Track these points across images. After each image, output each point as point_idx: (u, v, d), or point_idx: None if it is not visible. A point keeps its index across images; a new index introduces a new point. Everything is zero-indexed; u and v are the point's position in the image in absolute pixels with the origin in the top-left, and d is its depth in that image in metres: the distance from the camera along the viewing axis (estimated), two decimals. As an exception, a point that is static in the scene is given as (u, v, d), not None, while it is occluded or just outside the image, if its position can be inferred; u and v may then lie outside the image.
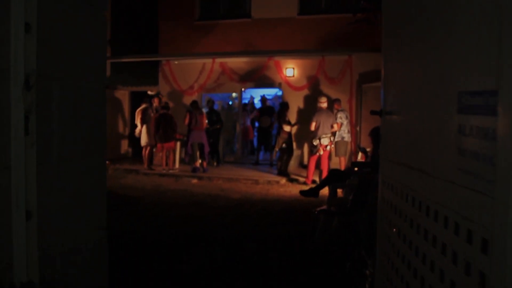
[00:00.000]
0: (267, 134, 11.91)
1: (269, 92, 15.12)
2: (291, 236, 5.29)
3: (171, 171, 10.57)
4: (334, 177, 6.07)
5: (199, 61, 12.85)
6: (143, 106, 11.16)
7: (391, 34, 2.42)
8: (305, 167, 11.83)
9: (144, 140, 10.94)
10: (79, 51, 1.70)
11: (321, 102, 9.46)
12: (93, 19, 1.79)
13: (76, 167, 1.70)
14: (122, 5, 16.19)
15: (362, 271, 3.66)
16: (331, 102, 10.35)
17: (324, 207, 4.47)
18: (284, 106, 10.52)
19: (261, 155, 12.38)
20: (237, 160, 12.95)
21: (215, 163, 11.75)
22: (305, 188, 8.89)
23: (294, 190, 8.79)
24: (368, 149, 9.48)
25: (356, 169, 7.02)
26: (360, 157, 10.26)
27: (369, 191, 4.40)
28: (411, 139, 1.89)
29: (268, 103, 12.55)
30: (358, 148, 7.02)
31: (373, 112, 2.83)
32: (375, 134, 5.85)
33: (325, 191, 6.51)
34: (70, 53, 1.63)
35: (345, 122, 10.05)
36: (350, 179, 5.57)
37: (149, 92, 11.64)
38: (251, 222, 6.00)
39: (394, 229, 2.08)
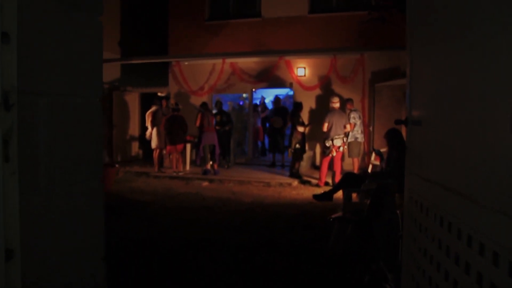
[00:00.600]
0: (279, 135, 11.70)
1: (281, 92, 14.95)
2: (304, 243, 5.10)
3: (181, 174, 10.43)
4: (348, 181, 5.86)
5: (209, 62, 12.70)
6: (154, 108, 11.02)
7: (419, 31, 2.16)
8: (317, 168, 11.62)
9: (154, 143, 10.82)
10: (70, 62, 1.52)
11: (333, 102, 9.23)
12: (86, 26, 1.60)
13: (68, 195, 1.52)
14: (132, 5, 16.12)
15: (382, 285, 3.45)
16: (344, 102, 10.12)
17: (340, 214, 4.27)
18: (298, 106, 10.29)
19: (272, 156, 12.18)
20: (248, 161, 12.78)
21: (226, 166, 11.60)
22: (318, 191, 8.70)
23: (306, 192, 8.58)
24: (383, 150, 9.27)
25: (369, 171, 6.82)
26: (373, 158, 10.03)
27: (386, 198, 4.19)
28: (448, 156, 1.63)
29: (281, 103, 12.31)
30: (373, 150, 6.79)
31: (398, 122, 2.62)
32: (391, 136, 5.64)
33: (339, 194, 6.32)
34: (59, 65, 1.45)
35: (358, 122, 9.82)
36: (365, 183, 5.36)
37: (159, 94, 11.50)
38: (263, 227, 5.81)
39: (425, 252, 1.87)
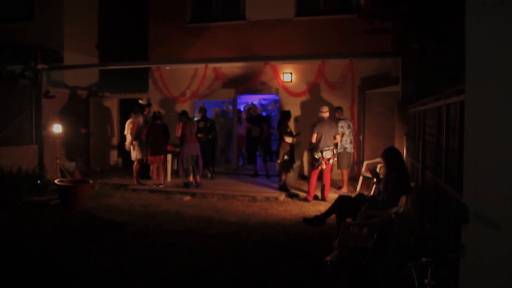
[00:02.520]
0: (257, 144, 11.20)
1: (265, 98, 14.46)
2: (296, 279, 4.57)
3: (161, 186, 9.83)
4: (342, 205, 5.39)
5: (191, 66, 12.11)
6: (139, 118, 10.27)
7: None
8: (305, 178, 11.14)
9: (135, 154, 10.17)
10: None
11: (322, 112, 8.73)
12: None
13: None
14: (111, 6, 15.47)
15: None
16: (333, 111, 9.66)
17: (336, 253, 3.76)
18: (286, 115, 9.76)
19: (254, 166, 11.69)
20: (232, 171, 12.23)
21: (209, 175, 11.04)
22: (307, 206, 8.20)
23: (295, 209, 8.08)
24: (379, 167, 8.81)
25: (367, 193, 6.35)
26: (364, 169, 9.57)
27: (390, 235, 3.69)
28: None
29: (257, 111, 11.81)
30: (370, 171, 6.30)
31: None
32: (389, 156, 5.16)
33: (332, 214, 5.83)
34: None
35: (347, 131, 9.37)
36: (363, 211, 4.87)
37: (140, 101, 10.84)
38: (249, 257, 5.27)
39: None
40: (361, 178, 9.54)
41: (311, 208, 8.17)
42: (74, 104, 12.19)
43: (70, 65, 13.11)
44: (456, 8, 5.37)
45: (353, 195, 8.83)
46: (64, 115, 11.63)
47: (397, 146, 8.62)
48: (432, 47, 6.59)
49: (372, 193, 6.88)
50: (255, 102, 12.72)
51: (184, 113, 10.03)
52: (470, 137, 2.33)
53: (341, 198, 5.52)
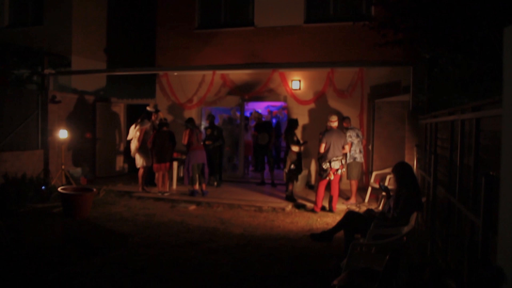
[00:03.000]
0: (265, 152, 11.05)
1: (274, 105, 14.33)
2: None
3: (166, 194, 9.70)
4: (351, 222, 5.20)
5: (198, 73, 11.99)
6: (146, 125, 10.16)
7: None
8: (312, 188, 10.97)
9: (141, 161, 10.05)
10: None
11: (331, 121, 8.55)
12: None
13: None
14: (120, 11, 15.43)
15: None
16: (340, 121, 9.49)
17: (344, 275, 3.57)
18: (293, 123, 9.59)
19: (261, 174, 11.53)
20: (239, 178, 12.08)
21: (215, 183, 10.90)
22: (314, 218, 8.00)
23: (302, 220, 7.90)
24: (388, 178, 8.61)
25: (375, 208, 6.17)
26: (373, 180, 9.37)
27: (402, 260, 3.51)
28: None
29: (263, 118, 11.64)
30: (380, 185, 6.10)
31: None
32: (400, 172, 4.96)
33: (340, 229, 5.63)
34: None
35: (355, 141, 9.17)
36: (372, 229, 4.69)
37: (148, 108, 10.73)
38: (254, 275, 5.10)
39: None
40: (369, 189, 9.34)
41: (318, 220, 7.98)
42: (80, 109, 12.12)
43: (77, 70, 13.07)
44: (474, 21, 5.19)
45: (361, 207, 8.67)
46: (70, 120, 11.57)
47: (407, 157, 8.43)
48: (446, 57, 6.40)
49: (380, 207, 6.69)
50: (259, 111, 12.54)
51: (190, 120, 9.90)
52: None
53: (349, 214, 5.32)
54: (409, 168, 5.07)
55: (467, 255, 3.57)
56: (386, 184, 8.73)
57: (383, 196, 6.56)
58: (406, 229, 4.37)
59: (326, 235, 5.40)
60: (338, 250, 5.65)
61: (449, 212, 4.88)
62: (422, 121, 7.68)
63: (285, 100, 11.78)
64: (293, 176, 9.37)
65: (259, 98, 12.15)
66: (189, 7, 12.57)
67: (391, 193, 5.25)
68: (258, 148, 11.12)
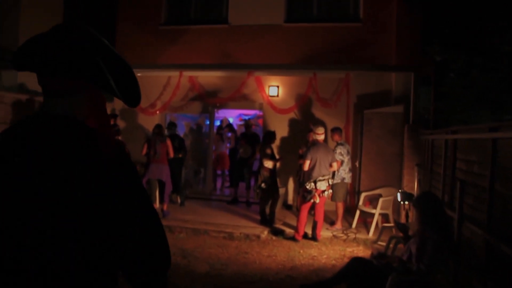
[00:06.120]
0: (245, 167, 9.68)
1: (248, 113, 13.00)
2: None
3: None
4: (355, 273, 3.84)
5: (163, 74, 10.51)
6: None
7: None
8: (289, 208, 9.65)
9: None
10: None
11: (317, 134, 7.24)
12: None
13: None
14: (77, 5, 13.82)
15: None
16: (331, 132, 8.27)
17: None
18: (270, 136, 8.25)
19: (234, 190, 10.13)
20: (206, 195, 10.62)
21: (179, 200, 9.42)
22: (296, 248, 6.54)
23: (281, 253, 6.52)
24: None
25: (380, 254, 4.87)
26: (362, 202, 8.12)
27: None
28: None
29: (252, 129, 10.22)
30: (396, 223, 4.78)
31: None
32: (425, 206, 3.66)
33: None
34: None
35: (346, 159, 7.93)
36: (391, 284, 3.35)
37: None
38: None
39: None
40: (358, 212, 8.08)
41: (301, 252, 6.62)
42: (26, 112, 10.44)
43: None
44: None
45: (349, 234, 7.38)
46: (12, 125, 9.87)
47: (406, 178, 7.22)
48: (462, 61, 5.21)
49: (387, 249, 5.33)
50: (247, 117, 11.17)
51: (156, 127, 8.49)
52: None
53: (355, 262, 3.98)
54: (436, 201, 3.78)
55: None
56: (390, 215, 7.50)
57: (395, 239, 5.05)
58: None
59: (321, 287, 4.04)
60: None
61: (488, 257, 3.65)
62: (426, 136, 6.48)
63: (260, 108, 10.45)
64: (265, 196, 8.03)
65: (231, 106, 10.78)
66: (155, 1, 11.13)
67: (410, 233, 3.94)
68: (237, 161, 9.77)
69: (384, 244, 5.50)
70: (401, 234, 4.19)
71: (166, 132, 9.14)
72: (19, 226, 1.18)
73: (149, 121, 10.30)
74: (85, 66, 1.29)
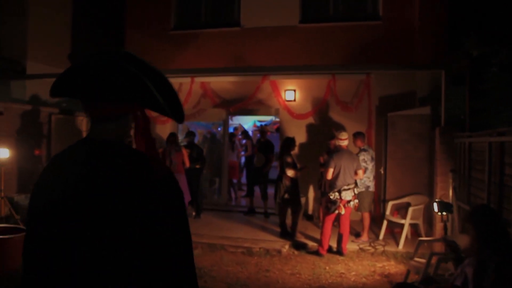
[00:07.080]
0: (260, 176, 9.21)
1: (264, 119, 12.54)
2: None
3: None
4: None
5: (174, 81, 10.06)
6: None
7: None
8: (310, 218, 9.12)
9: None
10: None
11: (341, 140, 6.72)
12: None
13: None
14: (86, 14, 13.54)
15: None
16: (351, 138, 7.72)
17: None
18: (289, 143, 7.72)
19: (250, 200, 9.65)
20: (222, 206, 10.14)
21: (193, 213, 8.97)
22: (321, 264, 6.06)
23: (305, 270, 5.99)
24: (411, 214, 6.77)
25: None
26: (389, 211, 7.57)
27: None
28: None
29: (267, 135, 9.76)
30: (446, 241, 4.20)
31: None
32: (483, 222, 3.12)
33: None
34: None
35: (370, 166, 7.40)
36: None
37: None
38: None
39: None
40: (385, 222, 7.52)
41: (327, 268, 6.08)
42: (33, 123, 10.10)
43: (27, 75, 11.10)
44: None
45: (377, 246, 6.82)
46: (18, 136, 9.53)
47: (439, 185, 6.63)
48: (505, 54, 4.67)
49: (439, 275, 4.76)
50: (264, 123, 10.71)
51: (170, 136, 8.17)
52: None
53: (399, 288, 3.45)
54: (496, 216, 3.23)
55: None
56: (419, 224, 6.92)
57: (436, 255, 4.45)
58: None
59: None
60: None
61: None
62: (463, 139, 5.93)
63: (277, 113, 9.97)
64: (286, 207, 7.53)
65: (246, 112, 10.32)
66: (164, 5, 10.76)
67: (463, 254, 3.40)
68: (252, 170, 9.34)
69: (420, 260, 4.95)
70: (444, 251, 3.65)
71: (184, 141, 8.77)
72: (75, 256, 1.22)
73: (161, 130, 9.88)
74: (135, 88, 1.32)
